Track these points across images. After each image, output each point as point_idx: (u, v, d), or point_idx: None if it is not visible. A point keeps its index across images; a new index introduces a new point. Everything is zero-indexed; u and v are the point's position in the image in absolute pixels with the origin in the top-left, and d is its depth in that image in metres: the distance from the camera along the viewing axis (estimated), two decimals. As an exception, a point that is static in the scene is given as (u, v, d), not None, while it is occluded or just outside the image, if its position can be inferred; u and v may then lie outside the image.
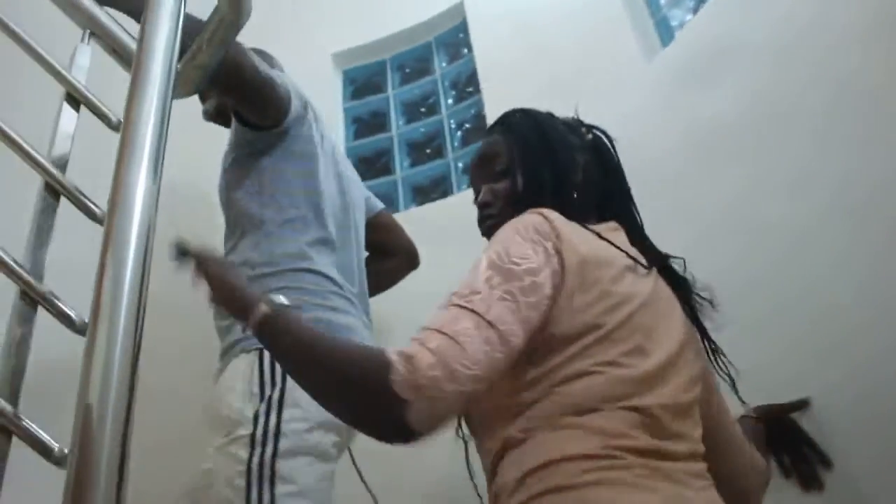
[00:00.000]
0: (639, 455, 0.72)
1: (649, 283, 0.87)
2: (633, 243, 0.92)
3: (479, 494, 0.89)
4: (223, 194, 1.36)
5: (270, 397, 1.06)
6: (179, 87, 0.81)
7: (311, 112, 1.38)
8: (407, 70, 2.69)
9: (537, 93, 2.05)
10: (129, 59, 0.80)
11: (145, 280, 0.57)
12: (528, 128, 1.00)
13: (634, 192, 1.04)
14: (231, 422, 1.06)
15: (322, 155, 1.36)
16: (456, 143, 2.48)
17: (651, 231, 1.01)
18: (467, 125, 2.50)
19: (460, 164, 2.44)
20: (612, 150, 1.04)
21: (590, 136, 1.04)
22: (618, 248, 0.87)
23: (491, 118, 2.21)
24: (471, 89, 2.48)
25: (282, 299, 0.84)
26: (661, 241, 1.00)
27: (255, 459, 1.01)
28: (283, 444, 1.03)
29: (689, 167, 1.64)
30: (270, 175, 1.28)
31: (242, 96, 1.22)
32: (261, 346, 1.03)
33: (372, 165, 2.52)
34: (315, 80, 2.48)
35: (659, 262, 0.92)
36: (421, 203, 2.36)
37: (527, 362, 0.78)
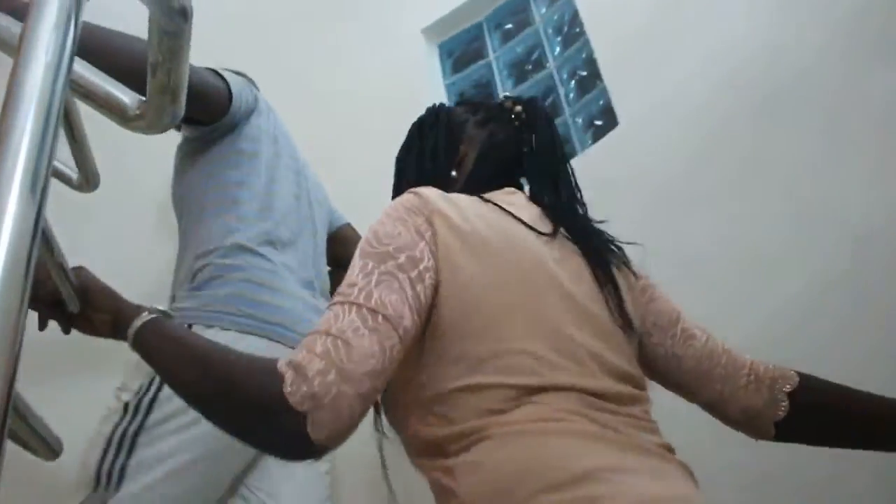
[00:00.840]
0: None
1: (555, 247, 0.83)
2: (539, 206, 0.89)
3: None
4: (172, 189, 1.37)
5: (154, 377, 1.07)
6: (151, 118, 0.71)
7: (266, 110, 1.38)
8: (507, 26, 2.44)
9: (647, 21, 1.81)
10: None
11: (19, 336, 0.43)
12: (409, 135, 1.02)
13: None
14: (120, 388, 1.11)
15: (275, 153, 1.36)
16: (571, 96, 2.20)
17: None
18: (580, 72, 2.20)
19: (579, 120, 2.15)
20: (538, 117, 1.00)
21: (516, 107, 1.00)
22: (507, 212, 0.83)
23: (603, 60, 1.93)
24: (577, 30, 2.18)
25: (162, 310, 0.82)
26: None
27: (119, 430, 1.04)
28: (152, 417, 1.05)
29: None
30: (215, 167, 1.29)
31: None
32: (181, 321, 1.07)
33: (484, 139, 2.31)
34: (409, 61, 2.33)
35: (563, 224, 0.86)
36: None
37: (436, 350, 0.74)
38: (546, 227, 0.84)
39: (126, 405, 1.07)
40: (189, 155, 1.34)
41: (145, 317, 0.78)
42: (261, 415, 0.64)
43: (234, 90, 1.27)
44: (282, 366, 0.63)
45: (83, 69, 0.74)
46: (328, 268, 1.51)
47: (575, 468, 0.61)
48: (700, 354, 0.88)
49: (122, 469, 1.02)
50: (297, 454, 0.67)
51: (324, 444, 0.62)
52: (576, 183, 0.97)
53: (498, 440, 0.66)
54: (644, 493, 0.61)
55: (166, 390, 1.04)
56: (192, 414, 0.95)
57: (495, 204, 0.84)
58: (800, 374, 0.86)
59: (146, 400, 1.06)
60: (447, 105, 1.05)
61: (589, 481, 0.60)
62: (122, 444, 1.04)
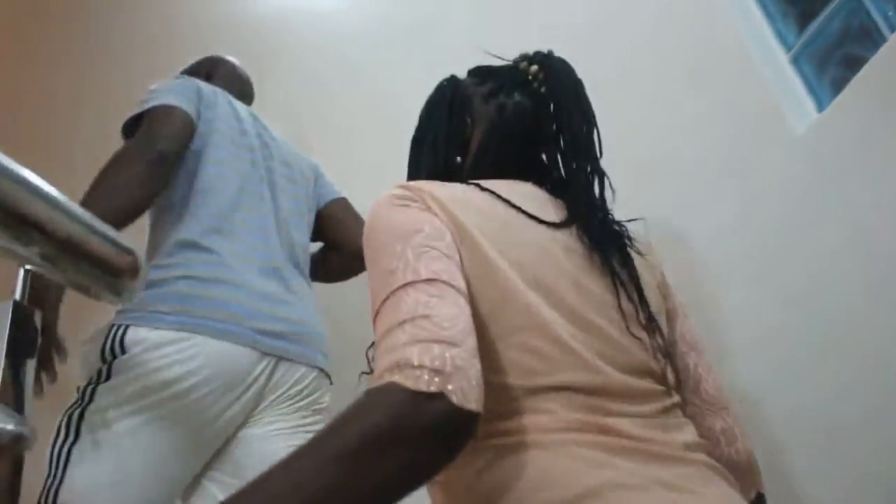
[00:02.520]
0: None
1: (562, 240, 0.76)
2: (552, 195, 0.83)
3: None
4: None
5: (101, 369, 1.08)
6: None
7: (192, 96, 1.30)
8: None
9: None
10: None
11: None
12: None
13: None
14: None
15: (206, 142, 1.29)
16: None
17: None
18: None
19: None
20: (558, 77, 0.88)
21: (532, 68, 0.90)
22: (505, 201, 0.76)
23: None
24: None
25: None
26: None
27: (65, 419, 1.06)
28: (94, 405, 1.06)
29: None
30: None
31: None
32: (121, 322, 1.08)
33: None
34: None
35: (579, 218, 0.79)
36: None
37: None
38: (555, 215, 0.78)
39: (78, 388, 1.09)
40: None
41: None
42: (408, 432, 0.54)
43: (179, 104, 1.24)
44: (383, 379, 0.56)
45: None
46: (321, 246, 1.48)
47: (573, 488, 0.57)
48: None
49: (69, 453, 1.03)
50: (460, 436, 0.57)
51: (476, 409, 0.56)
52: (596, 159, 0.85)
53: (493, 453, 0.62)
54: None
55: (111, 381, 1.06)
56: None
57: (492, 192, 0.77)
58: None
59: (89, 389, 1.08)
60: (458, 78, 0.95)
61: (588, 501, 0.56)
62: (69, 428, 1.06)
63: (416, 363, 0.55)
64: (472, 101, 0.90)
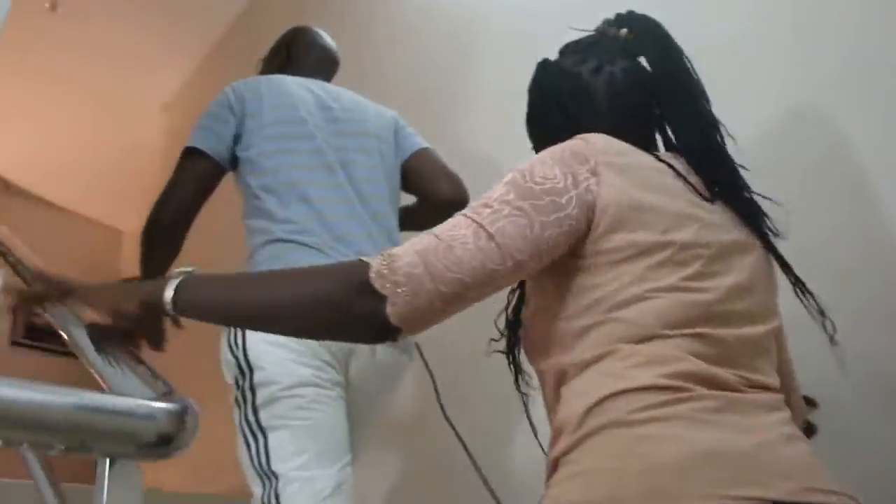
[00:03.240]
0: (701, 383, 0.67)
1: (715, 212, 0.79)
2: (697, 171, 0.82)
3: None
4: None
5: (239, 363, 1.21)
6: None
7: (238, 103, 1.42)
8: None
9: None
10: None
11: None
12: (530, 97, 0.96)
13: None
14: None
15: (270, 125, 1.40)
16: None
17: None
18: None
19: None
20: (648, 35, 0.89)
21: (622, 31, 0.91)
22: (678, 172, 0.79)
23: None
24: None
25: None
26: None
27: (240, 418, 1.20)
28: (259, 397, 1.19)
29: None
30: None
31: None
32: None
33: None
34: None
35: (728, 191, 0.82)
36: None
37: (580, 285, 0.75)
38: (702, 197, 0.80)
39: (235, 399, 1.22)
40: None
41: (176, 275, 0.78)
42: (341, 301, 0.69)
43: (203, 148, 1.37)
44: (372, 258, 0.70)
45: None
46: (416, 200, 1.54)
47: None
48: None
49: (266, 452, 1.16)
50: (373, 335, 0.72)
51: (398, 325, 0.68)
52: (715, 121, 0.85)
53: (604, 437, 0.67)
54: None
55: (259, 374, 1.19)
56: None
57: (659, 158, 0.80)
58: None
59: (246, 387, 1.20)
60: (551, 62, 0.94)
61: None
62: (253, 431, 1.18)
63: (396, 264, 0.68)
64: (580, 79, 0.89)
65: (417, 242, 0.70)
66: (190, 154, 1.37)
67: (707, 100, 0.87)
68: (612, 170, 0.75)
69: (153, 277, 1.02)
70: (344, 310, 0.70)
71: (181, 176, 1.36)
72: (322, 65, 1.62)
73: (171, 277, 0.77)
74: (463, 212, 0.74)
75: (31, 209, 4.49)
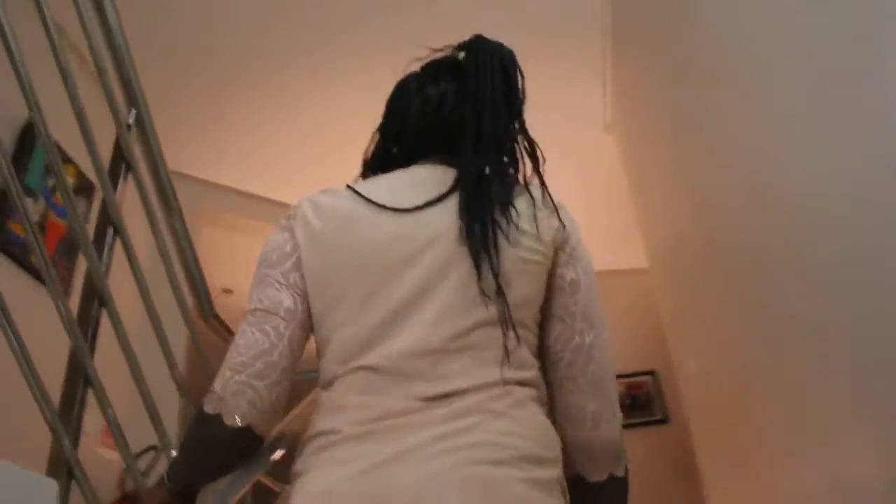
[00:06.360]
0: (351, 423, 0.74)
1: (410, 223, 0.82)
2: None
3: None
4: None
5: None
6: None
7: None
8: None
9: None
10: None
11: None
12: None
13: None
14: None
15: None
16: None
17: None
18: None
19: None
20: (480, 62, 0.89)
21: (460, 54, 0.93)
22: (363, 196, 0.84)
23: None
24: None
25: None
26: None
27: None
28: None
29: None
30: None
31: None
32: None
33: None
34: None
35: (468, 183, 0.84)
36: None
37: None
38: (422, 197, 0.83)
39: None
40: None
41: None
42: (199, 440, 0.81)
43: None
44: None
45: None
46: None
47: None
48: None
49: None
50: (237, 445, 0.79)
51: (241, 425, 0.76)
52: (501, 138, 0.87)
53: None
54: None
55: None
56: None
57: (354, 191, 0.87)
58: None
59: None
60: (411, 74, 0.97)
61: None
62: None
63: (213, 387, 0.78)
64: (409, 92, 0.94)
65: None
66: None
67: (512, 115, 0.89)
68: (301, 222, 0.86)
69: None
70: (199, 443, 0.84)
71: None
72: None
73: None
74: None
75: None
